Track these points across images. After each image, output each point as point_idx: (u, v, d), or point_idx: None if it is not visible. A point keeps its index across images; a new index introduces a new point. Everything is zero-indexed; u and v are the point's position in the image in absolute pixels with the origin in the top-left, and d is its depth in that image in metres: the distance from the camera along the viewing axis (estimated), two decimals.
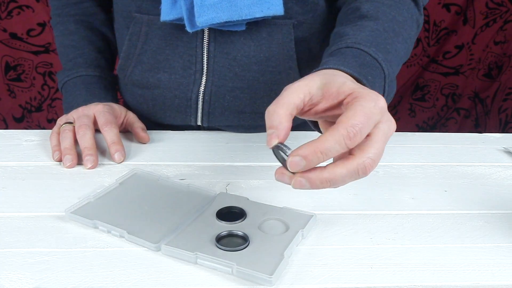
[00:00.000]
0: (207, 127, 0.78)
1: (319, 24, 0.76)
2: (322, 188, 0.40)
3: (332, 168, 0.39)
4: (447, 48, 1.80)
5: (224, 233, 0.48)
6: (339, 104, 0.42)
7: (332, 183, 0.39)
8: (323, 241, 0.49)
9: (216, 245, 0.46)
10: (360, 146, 0.40)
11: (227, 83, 0.74)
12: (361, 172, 0.39)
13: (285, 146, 0.40)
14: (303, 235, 0.49)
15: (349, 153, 0.40)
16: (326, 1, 0.75)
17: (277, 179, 0.41)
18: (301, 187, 0.39)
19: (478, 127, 1.95)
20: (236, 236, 0.48)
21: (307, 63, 0.76)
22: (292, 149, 0.40)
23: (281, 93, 0.43)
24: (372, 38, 0.57)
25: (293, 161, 0.38)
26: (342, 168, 0.39)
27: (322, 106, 0.43)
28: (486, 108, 1.92)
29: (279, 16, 0.68)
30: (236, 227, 0.49)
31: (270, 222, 0.51)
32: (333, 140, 0.38)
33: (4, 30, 1.62)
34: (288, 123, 0.41)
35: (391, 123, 0.42)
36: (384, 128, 0.41)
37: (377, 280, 0.44)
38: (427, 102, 1.90)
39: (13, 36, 1.63)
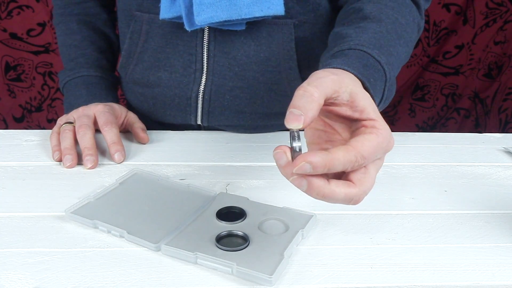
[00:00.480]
0: (207, 126, 0.78)
1: (321, 24, 0.75)
2: (313, 197, 0.40)
3: (334, 188, 0.39)
4: (447, 48, 1.80)
5: (224, 233, 0.48)
6: (356, 120, 0.42)
7: (326, 199, 0.40)
8: (323, 241, 0.49)
9: (216, 245, 0.46)
10: (360, 178, 0.40)
11: (227, 82, 0.74)
12: (354, 202, 0.40)
13: (298, 133, 0.39)
14: (303, 235, 0.49)
15: (346, 177, 0.41)
16: (329, 1, 0.75)
17: (275, 156, 0.40)
18: (299, 186, 0.39)
19: (478, 127, 1.95)
20: (236, 236, 0.48)
21: (307, 63, 0.76)
22: (301, 138, 0.39)
23: (316, 78, 0.41)
24: (375, 40, 0.56)
25: (302, 167, 0.38)
26: (341, 193, 0.39)
27: (344, 111, 0.42)
28: (486, 108, 1.92)
29: (279, 15, 0.68)
30: (236, 227, 0.49)
31: (270, 222, 0.51)
32: (343, 161, 0.38)
33: (4, 30, 1.62)
34: (317, 113, 0.39)
35: (382, 161, 0.43)
36: (379, 165, 0.42)
37: (377, 280, 0.44)
38: (427, 102, 1.90)
39: (13, 36, 1.63)
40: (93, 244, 0.47)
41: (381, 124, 0.41)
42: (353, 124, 0.43)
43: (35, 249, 0.46)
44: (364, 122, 0.41)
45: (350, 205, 0.41)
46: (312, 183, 0.39)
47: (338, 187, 0.39)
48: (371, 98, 0.44)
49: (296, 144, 0.39)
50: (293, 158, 0.39)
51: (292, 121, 0.38)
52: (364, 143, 0.39)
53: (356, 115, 0.42)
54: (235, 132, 0.78)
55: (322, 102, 0.40)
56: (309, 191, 0.39)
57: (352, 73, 0.48)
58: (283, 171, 0.39)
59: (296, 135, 0.39)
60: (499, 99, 1.91)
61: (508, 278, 0.45)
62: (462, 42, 1.78)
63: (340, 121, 0.44)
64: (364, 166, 0.40)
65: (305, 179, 0.39)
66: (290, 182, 0.39)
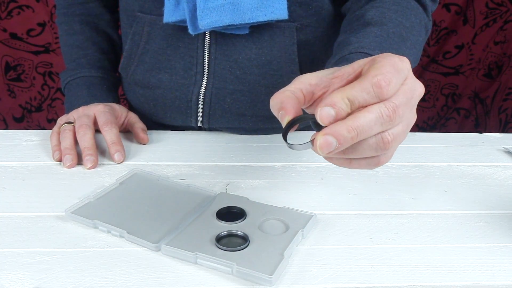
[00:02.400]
0: (208, 128, 0.78)
1: (324, 27, 0.75)
2: (350, 141, 0.35)
3: (353, 115, 0.36)
4: (447, 48, 1.80)
5: (224, 233, 0.48)
6: (357, 78, 0.39)
7: (359, 131, 0.35)
8: (323, 241, 0.49)
9: (216, 245, 0.46)
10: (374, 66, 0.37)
11: (227, 85, 0.74)
12: (386, 116, 0.36)
13: (302, 116, 0.38)
14: (303, 235, 0.49)
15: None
16: (332, 5, 0.75)
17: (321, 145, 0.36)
18: (328, 146, 0.35)
19: (478, 127, 1.95)
20: (236, 236, 0.48)
21: (309, 67, 0.76)
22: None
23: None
24: (376, 43, 0.56)
25: (323, 110, 0.35)
26: (364, 112, 0.35)
27: (337, 84, 0.40)
28: (486, 108, 1.92)
29: (282, 19, 0.68)
30: (236, 227, 0.49)
31: (270, 222, 0.51)
32: (360, 86, 0.35)
33: (4, 30, 1.62)
34: (291, 100, 0.39)
35: (418, 84, 0.39)
36: (412, 84, 0.38)
37: (377, 280, 0.44)
38: (427, 102, 1.90)
39: (13, 36, 1.63)
40: (93, 244, 0.47)
41: (380, 55, 0.39)
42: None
43: (35, 249, 0.46)
44: (364, 70, 0.39)
45: (368, 143, 0.37)
46: (335, 129, 0.35)
47: (359, 111, 0.36)
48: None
49: (289, 140, 0.39)
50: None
51: (282, 120, 0.40)
52: (375, 66, 0.37)
53: (351, 75, 0.40)
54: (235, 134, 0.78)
55: (295, 93, 0.40)
56: (339, 137, 0.35)
57: None
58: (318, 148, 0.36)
59: (306, 116, 0.39)
60: (499, 99, 1.91)
61: (508, 278, 0.45)
62: (462, 42, 1.78)
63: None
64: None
65: (329, 135, 0.35)
66: (320, 151, 0.36)
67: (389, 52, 0.55)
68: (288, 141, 0.40)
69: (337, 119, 0.36)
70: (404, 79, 0.38)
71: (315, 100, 0.42)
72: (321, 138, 0.36)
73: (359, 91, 0.35)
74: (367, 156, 0.38)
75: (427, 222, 0.53)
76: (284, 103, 0.39)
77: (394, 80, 0.36)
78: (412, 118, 0.39)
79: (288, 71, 0.73)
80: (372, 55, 0.53)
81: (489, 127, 1.94)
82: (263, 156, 0.68)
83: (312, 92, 0.41)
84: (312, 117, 0.38)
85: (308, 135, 0.77)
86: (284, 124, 0.40)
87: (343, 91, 0.36)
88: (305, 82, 0.41)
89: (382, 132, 0.37)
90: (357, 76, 0.40)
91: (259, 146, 0.72)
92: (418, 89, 0.39)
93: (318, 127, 0.37)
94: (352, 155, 0.38)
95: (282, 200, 0.56)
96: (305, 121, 0.39)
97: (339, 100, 0.35)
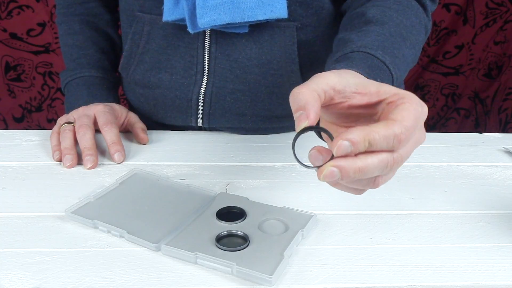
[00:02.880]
0: (208, 128, 0.78)
1: (324, 27, 0.75)
2: (351, 180, 0.38)
3: (364, 157, 0.37)
4: (447, 48, 1.80)
5: (224, 233, 0.48)
6: (378, 103, 0.41)
7: (363, 173, 0.37)
8: (323, 241, 0.49)
9: (216, 245, 0.46)
10: (399, 112, 0.38)
11: (228, 85, 0.74)
12: (390, 166, 0.38)
13: (319, 127, 0.38)
14: (303, 235, 0.49)
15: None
16: (332, 4, 0.75)
17: (311, 157, 0.39)
18: (332, 177, 0.37)
19: (478, 127, 1.95)
20: (236, 236, 0.48)
21: (309, 66, 0.76)
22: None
23: (310, 79, 0.41)
24: (378, 42, 0.55)
25: (342, 145, 0.36)
26: (374, 158, 0.37)
27: (358, 101, 0.41)
28: (486, 108, 1.92)
29: (282, 18, 0.67)
30: (236, 227, 0.49)
31: (270, 222, 0.51)
32: (384, 134, 0.36)
33: (4, 30, 1.62)
34: (316, 103, 0.38)
35: (423, 134, 0.42)
36: (419, 135, 0.41)
37: (377, 280, 0.44)
38: (427, 102, 1.87)
39: (13, 36, 1.63)
40: (93, 244, 0.47)
41: (406, 92, 0.40)
42: (377, 109, 0.41)
43: (35, 249, 0.46)
44: (387, 100, 0.40)
45: (370, 184, 0.39)
46: (343, 165, 0.37)
47: (368, 156, 0.37)
48: (375, 82, 0.42)
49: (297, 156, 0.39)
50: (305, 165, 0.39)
51: (299, 121, 0.38)
52: (402, 113, 0.38)
53: (373, 98, 0.41)
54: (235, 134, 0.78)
55: (319, 94, 0.39)
56: (344, 174, 0.37)
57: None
58: (320, 177, 0.38)
59: (318, 129, 0.39)
60: (499, 99, 1.91)
61: (508, 278, 0.45)
62: (462, 42, 1.78)
63: (365, 113, 0.42)
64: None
65: (335, 168, 0.37)
66: (323, 179, 0.37)
67: (390, 52, 0.55)
68: (296, 154, 0.40)
69: (350, 155, 0.37)
70: (422, 119, 0.40)
71: (330, 104, 0.42)
72: (329, 169, 0.37)
73: (381, 139, 0.37)
74: (355, 187, 0.41)
75: (427, 222, 0.53)
76: (308, 104, 0.38)
77: (412, 136, 0.38)
78: (407, 159, 0.41)
79: (288, 71, 0.73)
80: (374, 55, 0.53)
81: (489, 127, 1.94)
82: (263, 156, 0.68)
83: (332, 97, 0.41)
84: (326, 132, 0.39)
85: (307, 135, 0.76)
86: (299, 127, 0.38)
87: (367, 132, 0.36)
88: (330, 85, 0.40)
89: (378, 176, 0.39)
90: (379, 102, 0.41)
91: (259, 146, 0.72)
92: (422, 139, 0.41)
93: (321, 136, 0.38)
94: (342, 183, 0.41)
95: (282, 200, 0.56)
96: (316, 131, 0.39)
97: (361, 141, 0.36)
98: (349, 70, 0.46)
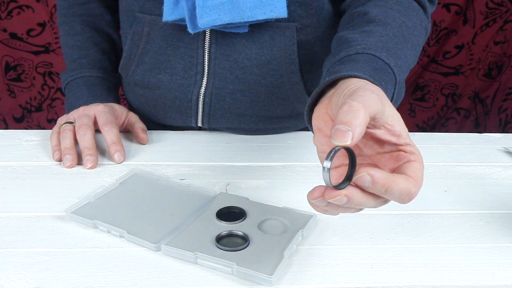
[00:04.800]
0: (208, 128, 0.78)
1: (324, 27, 0.75)
2: (347, 208, 0.40)
3: (368, 195, 0.39)
4: (447, 48, 1.80)
5: (224, 233, 0.48)
6: (393, 144, 0.42)
7: (360, 206, 0.40)
8: (323, 241, 0.49)
9: (216, 245, 0.46)
10: (415, 172, 0.41)
11: (227, 85, 0.73)
12: (409, 197, 0.40)
13: (336, 152, 0.37)
14: (303, 235, 0.49)
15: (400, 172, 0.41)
16: (332, 5, 0.74)
17: (311, 198, 0.41)
18: (338, 201, 0.38)
19: (478, 127, 1.95)
20: (236, 236, 0.48)
21: (309, 67, 0.75)
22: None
23: (358, 96, 0.39)
24: (382, 44, 0.54)
25: (364, 178, 0.37)
26: (374, 200, 0.39)
27: (382, 135, 0.42)
28: (486, 108, 1.92)
29: (282, 19, 0.67)
30: (236, 227, 0.49)
31: (270, 222, 0.51)
32: (402, 188, 0.38)
33: (4, 30, 1.62)
34: (364, 129, 0.37)
35: None
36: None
37: (377, 280, 0.44)
38: (427, 102, 1.90)
39: (13, 36, 1.63)
40: (93, 244, 0.47)
41: (416, 148, 0.42)
42: (386, 146, 0.42)
43: (35, 249, 0.46)
44: (401, 147, 0.42)
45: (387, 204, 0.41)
46: (354, 194, 0.38)
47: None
48: (400, 116, 0.43)
49: (326, 164, 0.37)
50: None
51: (339, 137, 0.36)
52: (418, 173, 0.40)
53: (393, 139, 0.42)
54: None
55: (368, 119, 0.38)
56: (350, 201, 0.38)
57: (364, 78, 0.46)
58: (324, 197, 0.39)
59: (332, 154, 0.37)
60: (499, 99, 1.91)
61: (508, 278, 0.45)
62: (462, 42, 1.78)
63: (372, 142, 0.43)
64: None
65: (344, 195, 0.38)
66: (332, 200, 0.38)
67: (394, 53, 0.54)
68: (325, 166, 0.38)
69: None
70: None
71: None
72: (341, 196, 0.38)
73: (397, 192, 0.38)
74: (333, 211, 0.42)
75: (427, 222, 0.53)
76: (358, 127, 0.37)
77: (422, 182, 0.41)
78: None
79: (288, 71, 0.73)
80: (379, 57, 0.51)
81: (489, 127, 1.94)
82: (263, 156, 0.68)
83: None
84: (352, 155, 0.39)
85: (308, 135, 0.77)
86: (339, 142, 0.36)
87: (390, 180, 0.38)
88: (373, 113, 0.39)
89: None
90: (396, 144, 0.42)
91: (259, 146, 0.72)
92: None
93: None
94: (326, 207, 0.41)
95: (282, 200, 0.56)
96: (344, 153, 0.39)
97: (381, 184, 0.37)
98: (387, 97, 0.44)
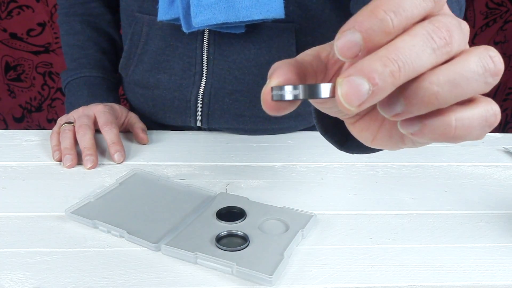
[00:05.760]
0: (207, 128, 0.78)
1: (324, 30, 0.74)
2: (391, 79, 0.22)
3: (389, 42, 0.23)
4: None
5: (224, 233, 0.48)
6: None
7: (403, 61, 0.23)
8: (323, 241, 0.49)
9: (216, 245, 0.46)
10: None
11: (226, 86, 0.73)
12: (435, 41, 0.23)
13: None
14: (303, 235, 0.49)
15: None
16: (332, 10, 0.74)
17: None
18: (358, 93, 0.23)
19: None
20: (236, 236, 0.48)
21: None
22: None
23: None
24: None
25: (343, 40, 0.23)
26: (405, 35, 0.23)
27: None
28: None
29: (280, 19, 0.67)
30: (236, 227, 0.49)
31: (270, 222, 0.51)
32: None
33: (4, 30, 1.62)
34: (287, 66, 0.28)
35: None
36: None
37: (377, 280, 0.44)
38: None
39: (13, 36, 1.63)
40: (93, 244, 0.47)
41: None
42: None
43: (35, 249, 0.46)
44: None
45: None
46: (361, 65, 0.23)
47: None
48: None
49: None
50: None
51: (268, 83, 0.28)
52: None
53: None
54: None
55: (294, 63, 0.29)
56: (370, 72, 0.22)
57: None
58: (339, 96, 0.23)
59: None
60: (499, 99, 1.91)
61: (508, 278, 0.45)
62: None
63: None
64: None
65: (354, 76, 0.23)
66: (343, 101, 0.23)
67: None
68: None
69: (368, 51, 0.23)
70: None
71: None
72: (344, 82, 0.23)
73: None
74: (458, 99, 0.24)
75: (427, 222, 0.53)
76: (278, 68, 0.28)
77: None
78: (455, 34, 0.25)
79: None
80: None
81: None
82: (263, 156, 0.68)
83: (325, 66, 0.31)
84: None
85: (308, 135, 0.76)
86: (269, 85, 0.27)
87: (375, 2, 0.23)
88: (309, 53, 0.31)
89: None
90: None
91: (259, 146, 0.72)
92: (463, 23, 0.26)
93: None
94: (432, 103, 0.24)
95: (282, 200, 0.56)
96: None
97: (368, 17, 0.23)
98: None
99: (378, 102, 0.25)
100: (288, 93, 0.25)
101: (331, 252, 0.47)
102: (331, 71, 0.30)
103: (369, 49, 0.23)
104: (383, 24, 0.23)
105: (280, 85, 0.26)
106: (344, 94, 0.23)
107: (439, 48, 0.23)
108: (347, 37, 0.23)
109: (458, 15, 0.54)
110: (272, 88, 0.26)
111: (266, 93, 0.27)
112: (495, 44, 1.80)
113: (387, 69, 0.22)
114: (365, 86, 0.22)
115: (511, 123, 1.94)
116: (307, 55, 0.30)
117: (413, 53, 0.23)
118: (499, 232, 0.52)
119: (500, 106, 1.91)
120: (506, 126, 1.95)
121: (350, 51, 0.23)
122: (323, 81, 0.30)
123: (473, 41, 1.78)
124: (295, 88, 0.25)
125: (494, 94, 1.89)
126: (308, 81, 0.29)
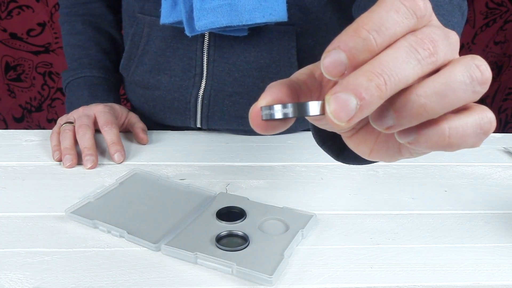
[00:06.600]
0: (207, 129, 0.78)
1: (324, 32, 0.74)
2: (377, 92, 0.23)
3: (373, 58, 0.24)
4: None
5: (224, 233, 0.48)
6: None
7: (388, 74, 0.23)
8: (323, 241, 0.49)
9: (216, 245, 0.46)
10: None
11: (226, 87, 0.73)
12: (420, 52, 0.23)
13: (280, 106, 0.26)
14: (303, 235, 0.49)
15: None
16: (333, 13, 0.74)
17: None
18: (346, 109, 0.23)
19: None
20: (236, 236, 0.48)
21: None
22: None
23: None
24: None
25: (329, 59, 0.23)
26: (389, 49, 0.24)
27: None
28: None
29: (281, 22, 0.67)
30: (236, 227, 0.49)
31: (270, 222, 0.51)
32: (387, 7, 0.23)
33: (4, 30, 1.62)
34: (279, 86, 0.28)
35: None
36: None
37: (377, 280, 0.44)
38: None
39: (13, 36, 1.63)
40: (93, 244, 0.47)
41: None
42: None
43: (35, 249, 0.46)
44: None
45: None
46: (349, 82, 0.23)
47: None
48: None
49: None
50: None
51: (259, 102, 0.28)
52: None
53: None
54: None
55: (287, 83, 0.28)
56: (357, 87, 0.23)
57: None
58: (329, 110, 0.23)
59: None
60: (499, 99, 1.91)
61: (508, 278, 0.45)
62: (462, 42, 1.78)
63: None
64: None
65: (343, 92, 0.23)
66: (331, 115, 0.23)
67: None
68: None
69: (353, 67, 0.23)
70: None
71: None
72: (331, 99, 0.23)
73: (384, 13, 0.23)
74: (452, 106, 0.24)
75: (427, 222, 0.53)
76: (270, 88, 0.28)
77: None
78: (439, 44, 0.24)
79: (287, 75, 0.72)
80: None
81: None
82: (263, 156, 0.68)
83: (319, 84, 0.30)
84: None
85: (308, 135, 0.76)
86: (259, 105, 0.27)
87: (360, 20, 0.23)
88: (302, 73, 0.30)
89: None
90: None
91: (259, 146, 0.72)
92: (450, 32, 0.26)
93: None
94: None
95: (282, 200, 0.56)
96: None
97: (352, 35, 0.23)
98: None
99: (370, 116, 0.25)
100: (278, 111, 0.26)
101: (331, 252, 0.47)
102: (326, 89, 0.31)
103: (355, 67, 0.23)
104: (366, 43, 0.23)
105: (269, 104, 0.27)
106: (333, 111, 0.23)
107: (424, 58, 0.24)
108: (333, 57, 0.24)
109: (460, 21, 0.55)
110: (262, 107, 0.27)
111: (254, 112, 0.27)
112: (495, 44, 1.80)
113: (372, 83, 0.23)
114: (352, 102, 0.23)
115: (511, 123, 1.94)
116: (301, 74, 0.30)
117: (397, 66, 0.23)
118: (499, 232, 0.52)
119: (500, 106, 1.91)
120: (506, 126, 1.95)
121: (336, 69, 0.24)
122: (319, 99, 0.30)
123: (473, 41, 1.78)
124: (284, 106, 0.26)
125: (494, 94, 1.89)
126: (302, 100, 0.29)
